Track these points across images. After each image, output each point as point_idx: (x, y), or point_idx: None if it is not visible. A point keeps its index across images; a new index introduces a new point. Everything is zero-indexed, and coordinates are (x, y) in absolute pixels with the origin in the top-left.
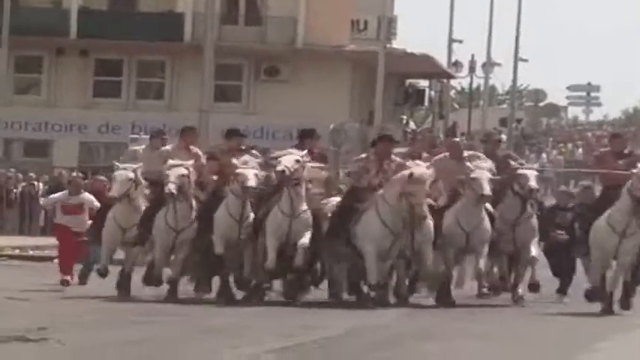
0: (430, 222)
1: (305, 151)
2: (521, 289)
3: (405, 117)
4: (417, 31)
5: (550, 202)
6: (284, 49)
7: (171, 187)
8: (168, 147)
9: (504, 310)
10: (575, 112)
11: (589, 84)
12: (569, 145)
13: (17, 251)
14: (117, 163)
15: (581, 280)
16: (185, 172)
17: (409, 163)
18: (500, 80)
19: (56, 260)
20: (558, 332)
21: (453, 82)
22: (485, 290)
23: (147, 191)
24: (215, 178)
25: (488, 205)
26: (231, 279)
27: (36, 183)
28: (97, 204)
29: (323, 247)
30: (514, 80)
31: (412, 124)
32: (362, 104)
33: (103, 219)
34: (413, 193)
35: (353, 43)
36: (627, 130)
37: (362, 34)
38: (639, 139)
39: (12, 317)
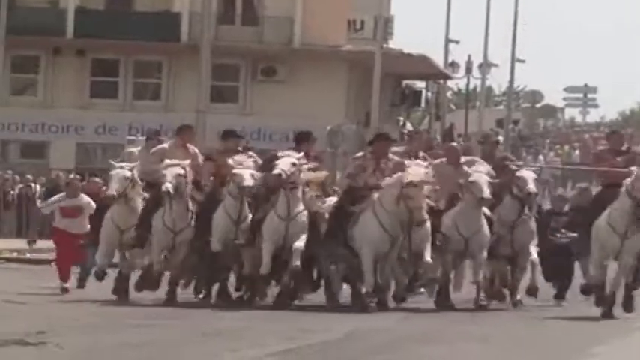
0: (428, 223)
1: (301, 154)
2: (519, 293)
3: (401, 118)
4: (413, 32)
5: (547, 205)
6: (281, 49)
7: (168, 187)
8: (165, 145)
9: (503, 313)
10: (572, 113)
11: (586, 85)
12: (566, 147)
13: (15, 254)
14: (113, 163)
15: (579, 283)
16: (182, 171)
17: (407, 162)
18: (497, 81)
19: (54, 264)
20: (558, 335)
21: (449, 82)
22: (482, 301)
23: (145, 194)
24: (212, 179)
25: (485, 210)
26: (231, 279)
27: (33, 185)
28: (93, 205)
29: (320, 248)
30: (511, 81)
31: (409, 126)
32: (358, 105)
33: (99, 221)
34: (411, 196)
35: (350, 44)
36: (624, 132)
37: (359, 34)
38: (636, 141)
39: (10, 321)
